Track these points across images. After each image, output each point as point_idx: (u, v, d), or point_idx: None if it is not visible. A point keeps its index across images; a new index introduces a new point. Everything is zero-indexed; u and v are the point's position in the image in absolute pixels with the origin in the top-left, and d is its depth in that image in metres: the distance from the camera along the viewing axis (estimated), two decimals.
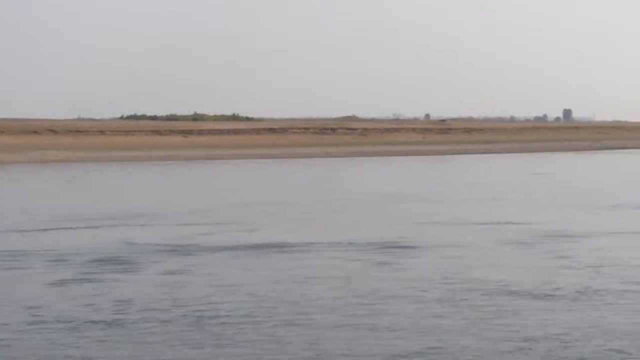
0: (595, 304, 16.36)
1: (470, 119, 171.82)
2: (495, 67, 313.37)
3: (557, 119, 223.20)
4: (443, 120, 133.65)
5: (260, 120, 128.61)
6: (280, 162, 73.10)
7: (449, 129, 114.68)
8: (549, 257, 21.78)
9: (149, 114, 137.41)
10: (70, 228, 27.83)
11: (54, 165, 68.28)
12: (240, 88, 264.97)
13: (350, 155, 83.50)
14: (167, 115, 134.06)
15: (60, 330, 14.43)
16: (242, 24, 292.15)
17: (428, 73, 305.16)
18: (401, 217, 30.83)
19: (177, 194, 42.18)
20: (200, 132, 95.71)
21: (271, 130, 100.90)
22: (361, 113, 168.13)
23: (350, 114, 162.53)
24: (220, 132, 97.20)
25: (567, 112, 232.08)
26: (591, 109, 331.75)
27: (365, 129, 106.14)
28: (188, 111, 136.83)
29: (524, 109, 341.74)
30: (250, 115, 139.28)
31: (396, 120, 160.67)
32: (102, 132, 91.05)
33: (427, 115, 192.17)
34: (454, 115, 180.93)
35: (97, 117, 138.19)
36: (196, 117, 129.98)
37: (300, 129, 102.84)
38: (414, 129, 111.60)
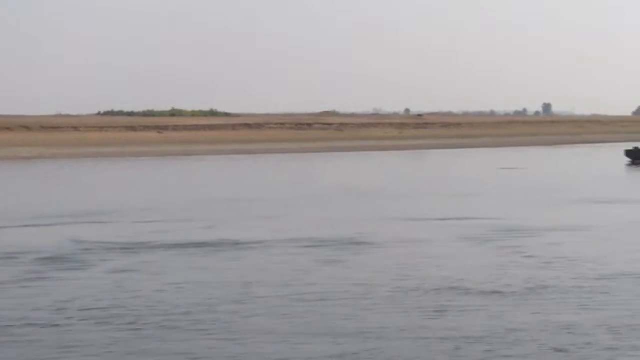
0: (543, 300, 16.07)
1: (449, 114, 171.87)
2: (476, 62, 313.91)
3: (537, 113, 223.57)
4: (420, 115, 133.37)
5: (238, 115, 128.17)
6: (254, 158, 72.73)
7: (426, 124, 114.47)
8: (504, 253, 21.50)
9: (126, 109, 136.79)
10: (25, 226, 27.42)
11: (27, 162, 67.75)
12: (219, 83, 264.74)
13: (326, 150, 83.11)
14: (144, 111, 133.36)
15: None
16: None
17: (409, 68, 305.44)
18: (364, 213, 30.54)
19: (143, 190, 41.78)
20: (176, 128, 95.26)
21: (247, 125, 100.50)
22: (341, 108, 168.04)
23: (330, 109, 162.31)
24: (196, 127, 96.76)
25: (547, 106, 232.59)
26: (571, 103, 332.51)
27: (342, 124, 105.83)
28: (166, 107, 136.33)
29: (505, 103, 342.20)
30: (228, 111, 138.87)
31: (375, 115, 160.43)
32: (76, 128, 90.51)
33: (407, 110, 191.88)
34: (435, 109, 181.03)
35: (77, 113, 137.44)
36: (174, 113, 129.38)
37: (276, 124, 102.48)
38: (390, 124, 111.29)
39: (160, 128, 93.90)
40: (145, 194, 39.22)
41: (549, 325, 14.19)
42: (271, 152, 79.68)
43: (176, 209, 32.14)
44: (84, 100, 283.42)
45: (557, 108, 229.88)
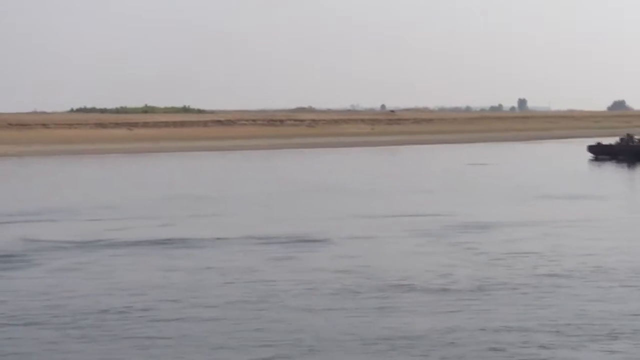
0: (488, 299, 15.90)
1: (425, 109, 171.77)
2: (453, 59, 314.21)
3: (513, 108, 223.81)
4: (392, 111, 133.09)
5: (212, 112, 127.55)
6: (225, 155, 72.30)
7: (399, 120, 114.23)
8: (456, 249, 21.36)
9: (99, 107, 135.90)
10: None
11: None
12: (193, 81, 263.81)
13: (297, 147, 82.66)
14: (116, 108, 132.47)
15: None
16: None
17: (385, 65, 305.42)
18: (323, 210, 30.33)
19: (106, 188, 41.38)
20: (146, 125, 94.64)
21: (218, 122, 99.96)
22: (318, 104, 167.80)
23: (306, 106, 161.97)
24: (166, 124, 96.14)
25: (522, 102, 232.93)
26: (547, 98, 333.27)
27: (314, 121, 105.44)
28: (139, 104, 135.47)
29: (481, 100, 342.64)
30: (203, 108, 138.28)
31: (350, 111, 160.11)
32: (45, 126, 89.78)
33: (383, 106, 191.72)
34: (411, 105, 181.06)
35: (52, 111, 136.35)
36: (146, 110, 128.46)
37: (248, 120, 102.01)
38: (363, 120, 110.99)
39: (130, 125, 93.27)
40: (106, 192, 38.85)
41: (490, 324, 14.01)
42: (242, 148, 79.20)
43: (135, 207, 31.83)
44: (59, 98, 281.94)
45: (534, 104, 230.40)
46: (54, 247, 22.15)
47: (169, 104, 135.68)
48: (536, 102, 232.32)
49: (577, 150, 65.58)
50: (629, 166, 54.38)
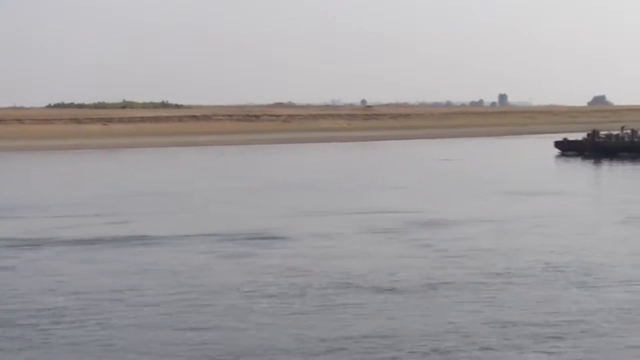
0: (437, 298, 15.65)
1: (405, 105, 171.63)
2: (433, 53, 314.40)
3: (493, 103, 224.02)
4: (370, 106, 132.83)
5: (190, 107, 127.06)
6: (199, 150, 71.92)
7: (376, 115, 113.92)
8: (411, 247, 21.12)
9: (77, 102, 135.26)
10: None
11: None
12: (172, 76, 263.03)
13: (273, 142, 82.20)
14: (94, 103, 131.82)
15: None
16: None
17: (366, 59, 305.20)
18: (284, 207, 29.99)
19: (71, 184, 40.99)
20: (122, 120, 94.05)
21: (194, 117, 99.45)
22: (298, 99, 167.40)
23: (285, 101, 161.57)
24: (142, 120, 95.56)
25: (503, 97, 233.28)
26: (528, 93, 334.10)
27: (290, 116, 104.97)
28: (117, 99, 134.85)
29: (462, 94, 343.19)
30: (181, 103, 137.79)
31: (329, 106, 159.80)
32: (20, 121, 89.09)
33: (364, 101, 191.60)
34: (391, 100, 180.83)
35: (31, 106, 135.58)
36: (125, 105, 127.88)
37: (223, 115, 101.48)
38: (340, 115, 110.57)
39: (106, 121, 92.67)
40: (71, 188, 38.47)
41: (436, 325, 13.75)
42: (217, 144, 78.77)
43: (98, 203, 31.46)
44: (38, 94, 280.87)
45: (514, 99, 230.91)
46: (4, 245, 21.79)
47: (148, 99, 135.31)
48: (517, 98, 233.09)
49: (548, 146, 65.52)
50: (594, 162, 54.34)
